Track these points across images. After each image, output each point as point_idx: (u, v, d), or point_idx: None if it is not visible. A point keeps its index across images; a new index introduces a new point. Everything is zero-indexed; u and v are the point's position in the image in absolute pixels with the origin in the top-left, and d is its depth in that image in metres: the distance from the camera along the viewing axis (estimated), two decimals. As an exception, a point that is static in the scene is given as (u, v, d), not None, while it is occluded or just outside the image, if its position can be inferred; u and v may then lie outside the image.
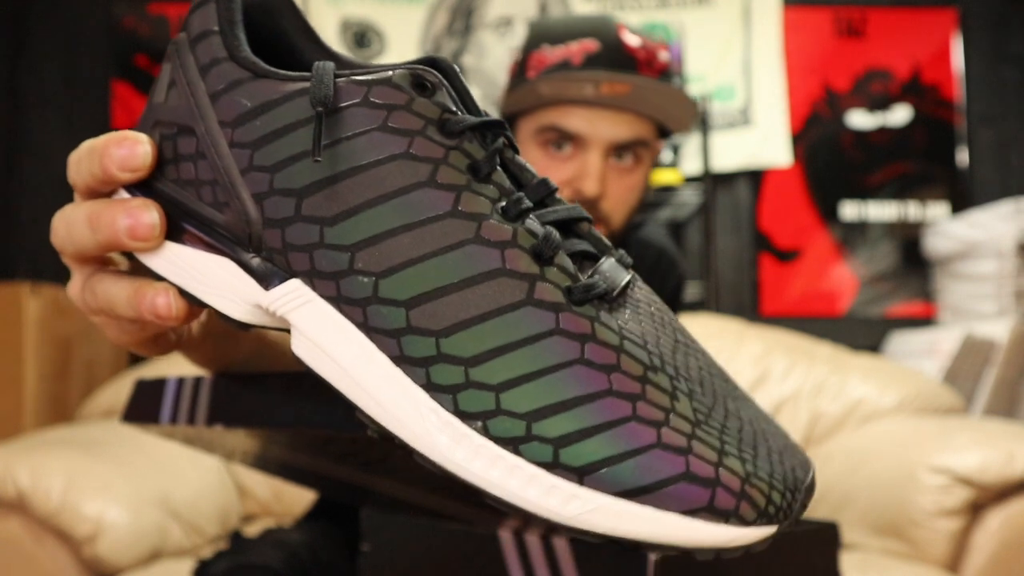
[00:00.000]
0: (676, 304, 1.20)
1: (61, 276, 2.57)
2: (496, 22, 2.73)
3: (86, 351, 2.16)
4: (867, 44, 2.73)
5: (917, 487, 1.39)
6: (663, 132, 0.99)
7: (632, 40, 0.95)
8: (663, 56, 0.96)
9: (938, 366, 2.20)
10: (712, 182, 2.36)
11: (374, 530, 0.79)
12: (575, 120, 0.93)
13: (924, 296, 2.65)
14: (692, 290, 2.37)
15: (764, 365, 1.92)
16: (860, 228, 2.69)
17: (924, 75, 2.72)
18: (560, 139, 0.95)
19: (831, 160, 2.70)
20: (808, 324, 2.53)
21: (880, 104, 2.71)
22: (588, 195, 0.92)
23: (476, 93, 2.69)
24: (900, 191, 2.70)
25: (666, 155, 2.33)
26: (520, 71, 0.98)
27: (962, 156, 2.71)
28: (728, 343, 1.96)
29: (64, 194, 2.72)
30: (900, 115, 2.71)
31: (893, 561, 1.36)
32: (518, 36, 2.71)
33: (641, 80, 0.92)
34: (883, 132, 2.71)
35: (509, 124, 0.98)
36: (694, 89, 2.58)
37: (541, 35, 0.98)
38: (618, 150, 0.95)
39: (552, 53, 0.96)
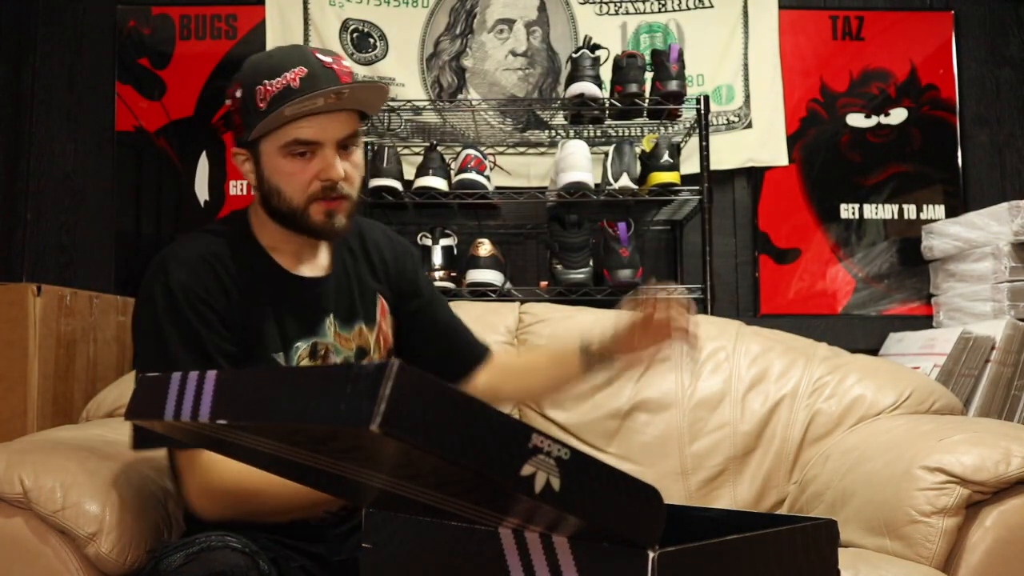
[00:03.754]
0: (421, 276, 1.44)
1: (65, 276, 2.59)
2: (496, 24, 2.74)
3: (90, 351, 2.17)
4: (864, 46, 2.74)
5: (913, 486, 1.39)
6: (364, 116, 1.28)
7: (326, 58, 1.21)
8: (346, 63, 1.23)
9: (934, 365, 2.21)
10: (710, 182, 2.37)
11: (375, 528, 0.80)
12: (309, 131, 1.18)
13: (921, 296, 2.66)
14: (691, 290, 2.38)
15: (762, 364, 1.93)
16: (858, 228, 2.70)
17: (921, 76, 2.73)
18: (301, 147, 1.19)
19: (829, 161, 2.71)
20: (806, 324, 2.54)
21: (877, 105, 2.72)
22: (335, 179, 1.20)
23: (476, 95, 2.71)
24: (897, 192, 2.71)
25: (665, 155, 2.35)
26: (248, 106, 1.20)
27: (959, 157, 2.72)
28: (726, 343, 1.97)
29: (67, 195, 2.74)
30: (897, 116, 2.72)
31: (889, 559, 1.37)
32: (518, 38, 2.73)
33: (349, 86, 1.18)
34: (880, 133, 2.72)
35: (252, 147, 1.22)
36: (693, 90, 2.59)
37: (256, 74, 1.20)
38: (343, 143, 1.21)
39: (273, 84, 1.18)
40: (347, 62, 1.22)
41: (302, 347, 1.26)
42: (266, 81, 1.18)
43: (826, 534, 0.74)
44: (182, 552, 1.04)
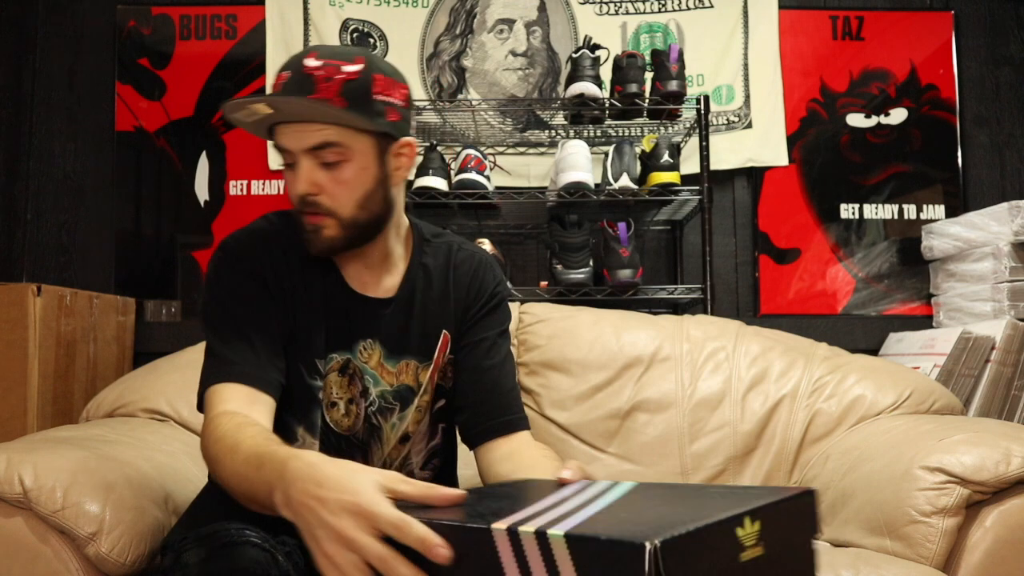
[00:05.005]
0: (496, 308, 1.31)
1: (65, 276, 2.59)
2: (496, 24, 2.74)
3: (90, 351, 2.17)
4: (864, 46, 2.74)
5: (913, 486, 1.39)
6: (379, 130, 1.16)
7: (312, 63, 1.12)
8: (348, 68, 1.13)
9: (934, 365, 2.21)
10: (710, 182, 2.37)
11: None
12: (281, 138, 1.15)
13: (921, 296, 2.66)
14: (691, 290, 2.39)
15: (762, 364, 1.93)
16: (858, 228, 2.71)
17: (921, 76, 2.73)
18: (285, 155, 1.16)
19: (829, 161, 2.72)
20: (806, 324, 2.55)
21: (877, 105, 2.73)
22: (298, 193, 1.15)
23: (476, 95, 2.71)
24: (897, 192, 2.71)
25: (665, 155, 2.35)
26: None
27: (959, 157, 2.72)
28: (726, 343, 1.97)
29: (67, 195, 2.74)
30: (897, 116, 2.72)
31: (889, 559, 1.37)
32: (518, 38, 2.73)
33: (283, 99, 1.11)
34: (880, 133, 2.72)
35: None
36: (693, 90, 2.59)
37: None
38: (316, 151, 1.13)
39: (277, 79, 1.15)
40: (352, 67, 1.13)
41: (336, 359, 1.23)
42: (278, 73, 1.17)
43: (808, 503, 0.75)
44: (204, 547, 1.02)
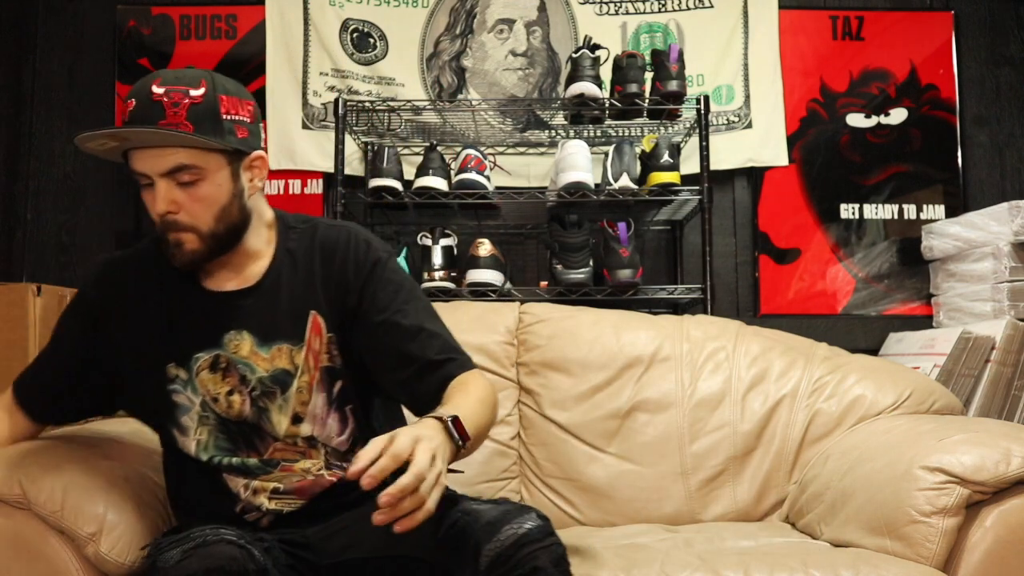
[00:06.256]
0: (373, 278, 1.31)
1: (65, 276, 2.59)
2: (496, 24, 2.74)
3: (89, 351, 2.17)
4: (864, 46, 2.74)
5: (913, 486, 1.39)
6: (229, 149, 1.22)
7: (157, 90, 1.18)
8: (194, 92, 1.19)
9: (934, 366, 2.21)
10: (710, 182, 2.37)
11: None
12: (137, 163, 1.21)
13: (921, 296, 2.67)
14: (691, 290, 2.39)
15: (762, 364, 1.93)
16: (858, 228, 2.71)
17: (921, 76, 2.73)
18: (140, 178, 1.22)
19: (829, 161, 2.72)
20: (806, 324, 2.54)
21: (877, 105, 2.73)
22: (157, 213, 1.20)
23: (476, 95, 2.71)
24: (897, 192, 2.71)
25: (665, 155, 2.35)
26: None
27: (959, 157, 2.72)
28: (726, 343, 1.97)
29: (67, 195, 2.74)
30: (897, 116, 2.72)
31: (889, 559, 1.37)
32: (518, 38, 2.73)
33: (136, 131, 1.17)
34: (880, 133, 2.72)
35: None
36: (693, 90, 2.59)
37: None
38: (172, 174, 1.19)
39: (126, 106, 1.20)
40: (197, 92, 1.19)
41: (202, 358, 1.27)
42: (126, 101, 1.22)
43: None
44: (179, 548, 1.06)
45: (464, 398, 1.17)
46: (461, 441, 1.06)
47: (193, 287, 1.30)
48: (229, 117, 1.22)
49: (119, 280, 1.33)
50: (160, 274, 1.30)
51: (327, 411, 1.30)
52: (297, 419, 1.29)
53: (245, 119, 1.25)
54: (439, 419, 1.06)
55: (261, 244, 1.31)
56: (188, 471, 1.31)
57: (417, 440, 0.98)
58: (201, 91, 1.19)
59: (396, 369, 1.26)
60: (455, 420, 1.07)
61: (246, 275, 1.30)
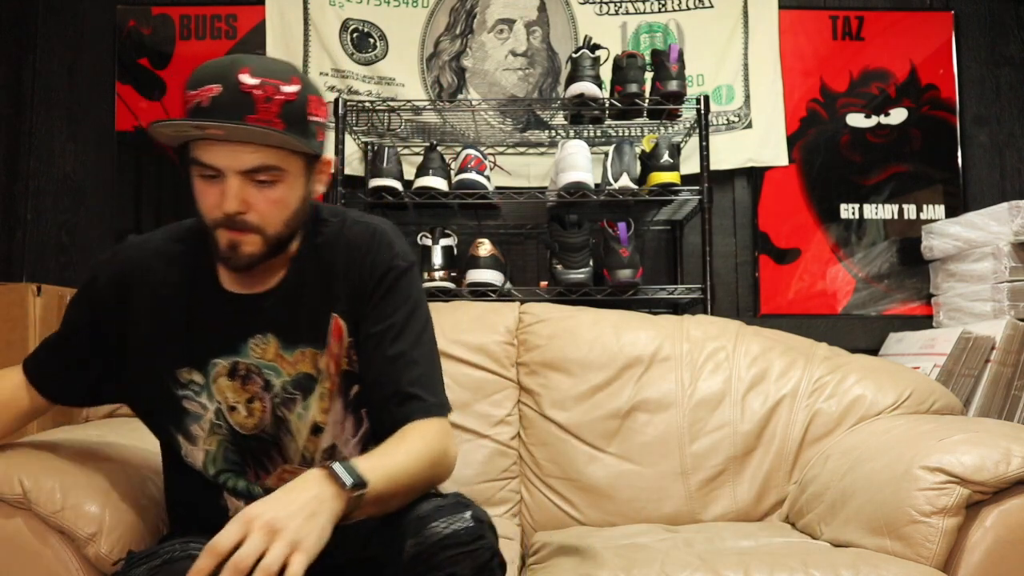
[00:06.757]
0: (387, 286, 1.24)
1: (65, 276, 2.59)
2: (496, 24, 2.74)
3: (89, 351, 2.16)
4: (864, 46, 2.74)
5: (913, 486, 1.39)
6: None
7: (249, 80, 1.08)
8: (287, 88, 1.11)
9: (934, 365, 2.21)
10: (710, 182, 2.37)
11: None
12: (209, 156, 1.10)
13: (921, 296, 2.66)
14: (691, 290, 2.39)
15: (762, 364, 1.93)
16: (858, 228, 2.71)
17: (921, 76, 2.73)
18: (206, 170, 1.12)
19: (829, 161, 2.72)
20: (806, 324, 2.54)
21: (877, 105, 2.73)
22: (228, 212, 1.11)
23: (476, 95, 2.71)
24: (897, 192, 2.71)
25: (665, 155, 2.35)
26: (184, 108, 1.13)
27: (959, 157, 2.72)
28: (726, 343, 1.97)
29: (67, 195, 2.74)
30: (897, 116, 2.72)
31: (889, 559, 1.37)
32: (518, 38, 2.73)
33: (232, 126, 1.07)
34: (880, 133, 2.72)
35: (182, 152, 1.15)
36: (693, 90, 2.59)
37: (189, 80, 1.12)
38: (251, 173, 1.11)
39: (191, 96, 1.11)
40: (290, 88, 1.11)
41: (220, 364, 1.21)
42: (189, 91, 1.12)
43: None
44: (146, 565, 1.05)
45: (395, 447, 1.11)
46: (356, 482, 1.00)
47: (214, 287, 1.23)
48: (314, 119, 1.15)
49: (137, 269, 1.26)
50: (181, 270, 1.24)
51: (343, 415, 1.25)
52: (317, 430, 1.23)
53: (325, 121, 1.19)
54: (326, 467, 1.01)
55: (294, 244, 1.24)
56: (190, 481, 1.26)
57: (264, 529, 0.94)
58: (294, 88, 1.11)
59: (370, 387, 1.21)
60: (348, 466, 1.01)
61: (267, 278, 1.23)
